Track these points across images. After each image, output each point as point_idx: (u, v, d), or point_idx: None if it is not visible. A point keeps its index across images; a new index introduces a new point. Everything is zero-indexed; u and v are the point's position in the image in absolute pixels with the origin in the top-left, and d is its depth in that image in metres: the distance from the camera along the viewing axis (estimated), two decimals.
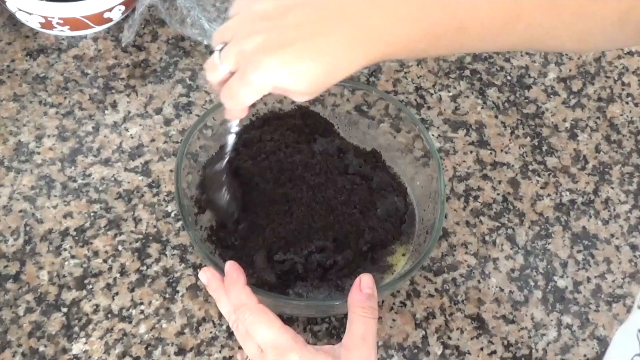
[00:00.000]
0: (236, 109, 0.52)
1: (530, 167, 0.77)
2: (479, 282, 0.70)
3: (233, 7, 0.51)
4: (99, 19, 0.79)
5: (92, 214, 0.70)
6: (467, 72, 0.83)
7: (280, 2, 0.48)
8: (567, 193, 0.76)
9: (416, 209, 0.68)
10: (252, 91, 0.48)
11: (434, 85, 0.82)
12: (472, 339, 0.66)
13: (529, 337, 0.67)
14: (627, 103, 0.83)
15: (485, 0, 0.46)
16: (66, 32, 0.79)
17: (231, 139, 0.61)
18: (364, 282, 0.54)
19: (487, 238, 0.72)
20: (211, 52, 0.47)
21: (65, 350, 0.63)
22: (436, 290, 0.69)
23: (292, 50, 0.46)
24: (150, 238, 0.69)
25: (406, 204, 0.68)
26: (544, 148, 0.79)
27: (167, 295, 0.66)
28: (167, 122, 0.77)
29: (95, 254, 0.68)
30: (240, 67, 0.48)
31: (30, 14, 0.76)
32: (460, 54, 0.83)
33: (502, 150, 0.78)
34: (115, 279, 0.67)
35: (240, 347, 0.63)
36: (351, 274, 0.62)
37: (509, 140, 0.79)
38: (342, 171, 0.67)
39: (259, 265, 0.61)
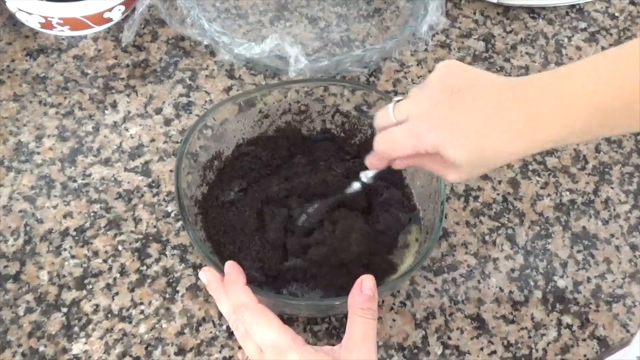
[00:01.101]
0: (381, 156, 0.56)
1: (530, 167, 0.77)
2: (479, 282, 0.69)
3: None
4: (99, 19, 0.79)
5: (92, 214, 0.70)
6: None
7: (461, 81, 0.51)
8: (567, 193, 0.76)
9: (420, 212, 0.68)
10: (411, 143, 0.52)
11: None
12: (472, 339, 0.66)
13: (529, 337, 0.67)
14: None
15: None
16: (66, 32, 0.79)
17: (355, 187, 0.63)
18: (365, 284, 0.54)
19: (487, 238, 0.72)
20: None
21: (65, 350, 0.63)
22: (436, 290, 0.69)
23: (461, 120, 0.49)
24: (150, 238, 0.69)
25: (411, 221, 0.68)
26: None
27: (167, 295, 0.66)
28: (167, 122, 0.77)
29: (95, 254, 0.68)
30: (411, 120, 0.52)
31: (30, 14, 0.76)
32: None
33: None
34: (115, 279, 0.67)
35: (240, 347, 0.63)
36: (338, 278, 0.63)
37: None
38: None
39: (247, 265, 0.62)
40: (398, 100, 0.54)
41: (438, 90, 0.51)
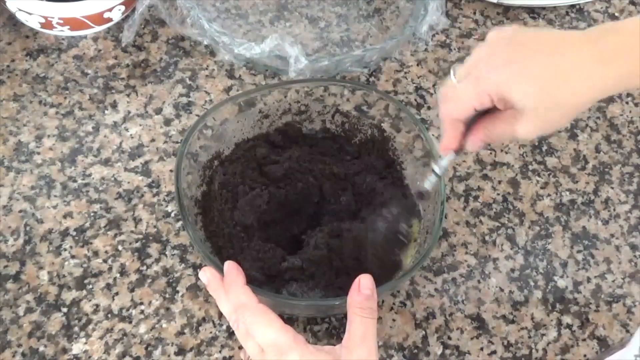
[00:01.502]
0: (449, 122, 0.53)
1: (530, 167, 0.77)
2: (479, 282, 0.69)
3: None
4: (99, 19, 0.79)
5: (92, 214, 0.70)
6: None
7: (519, 31, 0.50)
8: (567, 193, 0.76)
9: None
10: (475, 91, 0.50)
11: (434, 85, 0.82)
12: (472, 339, 0.66)
13: (529, 337, 0.67)
14: (627, 103, 0.83)
15: None
16: (66, 32, 0.79)
17: (432, 180, 0.59)
18: (363, 283, 0.54)
19: (487, 238, 0.72)
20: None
21: (65, 350, 0.63)
22: (436, 290, 0.69)
23: (526, 58, 0.47)
24: (150, 238, 0.69)
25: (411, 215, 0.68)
26: (544, 148, 0.79)
27: (167, 295, 0.66)
28: (167, 122, 0.77)
29: (95, 254, 0.68)
30: (473, 71, 0.50)
31: (30, 14, 0.76)
32: None
33: (502, 150, 0.78)
34: (115, 279, 0.67)
35: (241, 347, 0.63)
36: (337, 278, 0.63)
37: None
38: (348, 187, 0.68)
39: (247, 265, 0.62)
40: (457, 66, 0.52)
41: (497, 40, 0.50)
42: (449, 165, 0.58)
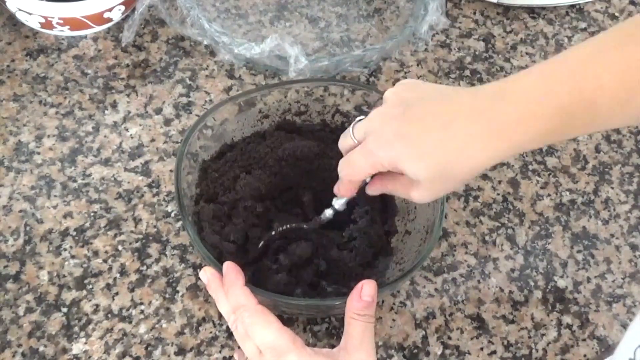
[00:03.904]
0: (347, 181, 0.55)
1: (530, 167, 0.77)
2: (479, 282, 0.70)
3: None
4: (99, 19, 0.79)
5: (92, 214, 0.70)
6: (467, 72, 0.83)
7: (415, 94, 0.51)
8: (567, 193, 0.76)
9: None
10: (368, 162, 0.51)
11: None
12: (472, 339, 0.66)
13: (529, 337, 0.67)
14: None
15: (608, 72, 0.45)
16: (66, 32, 0.80)
17: (328, 214, 0.62)
18: (365, 290, 0.54)
19: (487, 238, 0.72)
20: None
21: (65, 350, 0.63)
22: (436, 290, 0.69)
23: (415, 132, 0.48)
24: (150, 238, 0.69)
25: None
26: (544, 148, 0.79)
27: (167, 295, 0.66)
28: (167, 122, 0.77)
29: (95, 254, 0.68)
30: (366, 138, 0.51)
31: (30, 14, 0.76)
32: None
33: None
34: (115, 279, 0.67)
35: (239, 347, 0.63)
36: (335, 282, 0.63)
37: None
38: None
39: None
40: (359, 120, 0.54)
41: (392, 105, 0.51)
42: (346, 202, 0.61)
